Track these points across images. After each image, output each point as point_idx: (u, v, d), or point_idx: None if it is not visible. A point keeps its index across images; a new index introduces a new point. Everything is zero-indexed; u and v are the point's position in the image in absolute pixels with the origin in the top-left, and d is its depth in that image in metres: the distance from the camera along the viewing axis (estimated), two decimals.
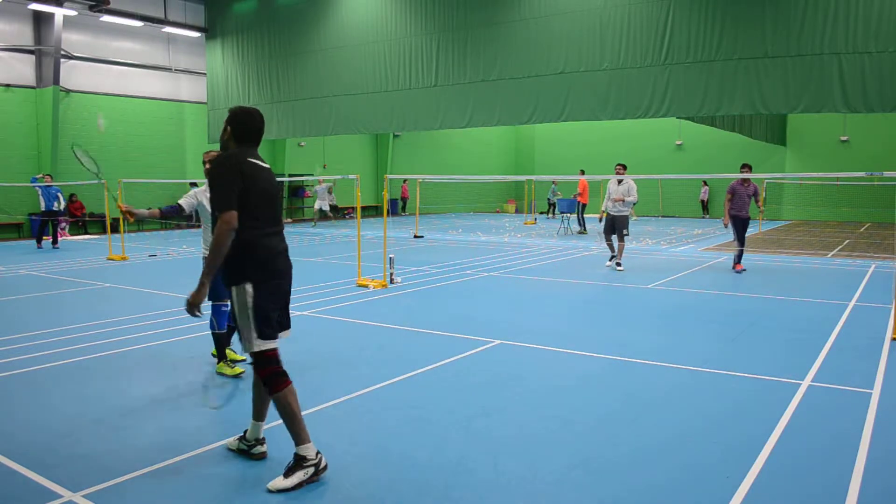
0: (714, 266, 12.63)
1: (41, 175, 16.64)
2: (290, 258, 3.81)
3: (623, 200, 11.66)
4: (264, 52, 20.24)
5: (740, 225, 11.57)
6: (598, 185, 30.68)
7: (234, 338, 4.74)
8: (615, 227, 11.92)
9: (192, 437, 4.25)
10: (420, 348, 6.49)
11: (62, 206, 16.26)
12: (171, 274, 11.97)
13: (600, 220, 12.36)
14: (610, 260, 12.40)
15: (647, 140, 29.83)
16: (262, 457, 3.91)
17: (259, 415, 3.92)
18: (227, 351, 5.78)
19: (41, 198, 15.79)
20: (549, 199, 29.05)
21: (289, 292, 3.80)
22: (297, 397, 3.69)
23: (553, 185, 29.09)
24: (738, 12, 13.09)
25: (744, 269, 11.62)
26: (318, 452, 3.67)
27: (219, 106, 21.49)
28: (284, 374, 3.67)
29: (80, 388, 5.29)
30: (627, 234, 12.01)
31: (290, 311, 3.95)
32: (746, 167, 11.31)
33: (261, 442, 3.94)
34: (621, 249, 12.03)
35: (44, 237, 16.23)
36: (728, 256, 14.02)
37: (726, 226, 11.61)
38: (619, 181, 11.73)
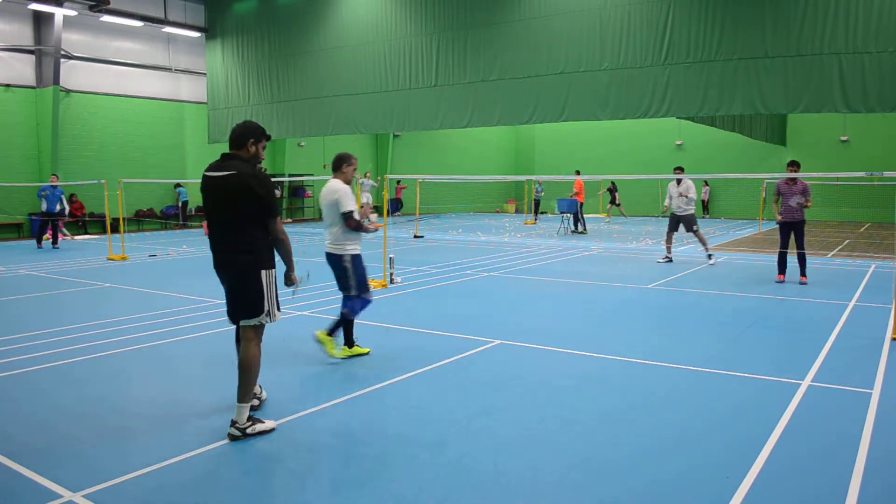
0: (714, 266, 12.62)
1: (50, 178, 16.65)
2: (234, 250, 4.27)
3: (686, 197, 12.46)
4: (264, 52, 20.24)
5: (787, 230, 10.31)
6: (596, 185, 30.67)
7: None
8: (682, 225, 12.70)
9: (192, 437, 4.25)
10: (420, 348, 6.49)
11: (65, 209, 16.28)
12: (170, 274, 11.96)
13: (664, 212, 13.23)
14: (662, 258, 13.12)
15: (647, 140, 29.81)
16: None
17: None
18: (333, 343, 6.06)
19: (43, 200, 15.85)
20: (534, 199, 28.90)
21: (228, 287, 4.36)
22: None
23: (537, 185, 29.01)
24: (738, 12, 13.09)
25: (806, 282, 10.27)
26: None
27: (219, 106, 21.50)
28: (236, 336, 4.52)
29: (80, 388, 5.29)
30: (697, 228, 12.74)
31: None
32: (794, 165, 10.08)
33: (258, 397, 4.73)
34: (703, 241, 12.76)
35: (44, 237, 16.24)
36: (728, 256, 14.03)
37: (778, 223, 10.44)
38: (679, 182, 12.54)
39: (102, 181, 15.08)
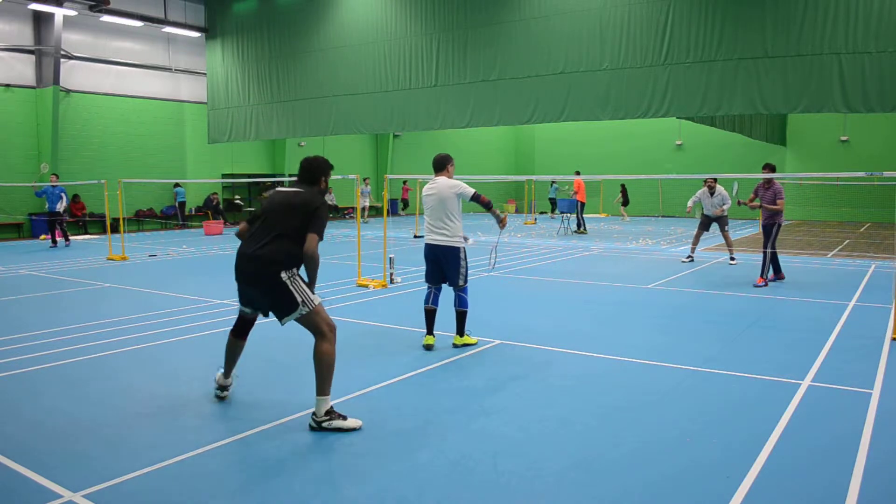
0: (714, 266, 12.63)
1: (50, 178, 16.70)
2: (258, 253, 4.42)
3: (722, 210, 12.77)
4: (264, 52, 20.23)
5: (764, 233, 10.38)
6: (597, 185, 30.69)
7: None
8: (716, 225, 12.90)
9: (192, 437, 4.25)
10: (420, 348, 6.49)
11: (63, 208, 16.30)
12: (170, 274, 11.97)
13: (688, 212, 13.91)
14: (686, 258, 13.39)
15: (647, 140, 29.80)
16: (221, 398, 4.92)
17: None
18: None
19: (46, 200, 15.98)
20: (551, 198, 29.11)
21: (247, 283, 4.53)
22: (231, 347, 4.84)
23: (554, 185, 29.12)
24: (738, 12, 13.08)
25: (764, 284, 10.12)
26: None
27: (219, 106, 21.48)
28: (234, 328, 4.86)
29: (80, 388, 5.29)
30: (728, 229, 13.04)
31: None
32: (767, 167, 10.19)
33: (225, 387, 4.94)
34: (729, 242, 12.95)
35: (50, 235, 16.40)
36: (728, 256, 14.01)
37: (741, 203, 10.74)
38: (711, 194, 12.76)
39: (102, 181, 15.09)
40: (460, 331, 6.53)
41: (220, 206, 23.64)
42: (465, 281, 6.48)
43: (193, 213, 23.13)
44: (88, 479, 3.66)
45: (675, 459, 3.93)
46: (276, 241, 4.37)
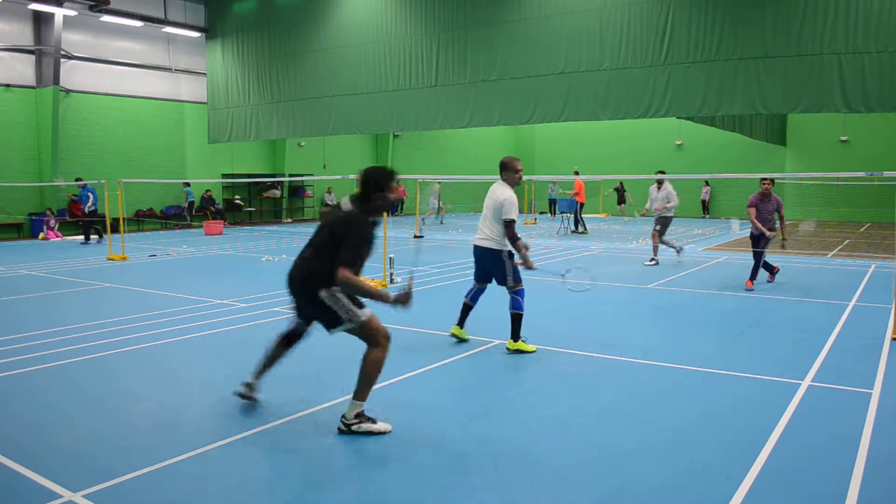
0: (714, 266, 12.63)
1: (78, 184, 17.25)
2: (297, 266, 4.41)
3: (665, 207, 12.51)
4: (264, 52, 20.24)
5: (763, 238, 10.00)
6: (596, 185, 30.68)
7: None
8: (660, 226, 12.77)
9: (192, 437, 4.25)
10: (420, 348, 6.49)
11: (87, 209, 16.54)
12: (170, 274, 11.96)
13: (642, 214, 13.82)
14: (678, 252, 13.21)
15: (647, 140, 29.81)
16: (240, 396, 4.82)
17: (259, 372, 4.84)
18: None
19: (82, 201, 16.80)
20: (550, 198, 29.19)
21: (290, 293, 4.46)
22: (274, 350, 4.77)
23: (552, 185, 29.16)
24: (738, 12, 13.09)
25: (751, 289, 9.84)
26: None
27: (219, 106, 21.48)
28: (285, 331, 4.77)
29: (80, 389, 5.29)
30: (663, 233, 12.73)
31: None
32: (766, 181, 10.08)
33: (251, 387, 4.83)
34: (655, 245, 12.75)
35: (86, 234, 17.04)
36: (728, 256, 14.03)
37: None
38: (659, 187, 12.58)
39: (102, 181, 15.09)
40: (514, 335, 6.28)
41: (219, 205, 23.61)
42: (516, 282, 6.28)
43: (193, 213, 23.13)
44: (88, 479, 3.66)
45: (675, 459, 3.93)
46: (311, 259, 4.32)
